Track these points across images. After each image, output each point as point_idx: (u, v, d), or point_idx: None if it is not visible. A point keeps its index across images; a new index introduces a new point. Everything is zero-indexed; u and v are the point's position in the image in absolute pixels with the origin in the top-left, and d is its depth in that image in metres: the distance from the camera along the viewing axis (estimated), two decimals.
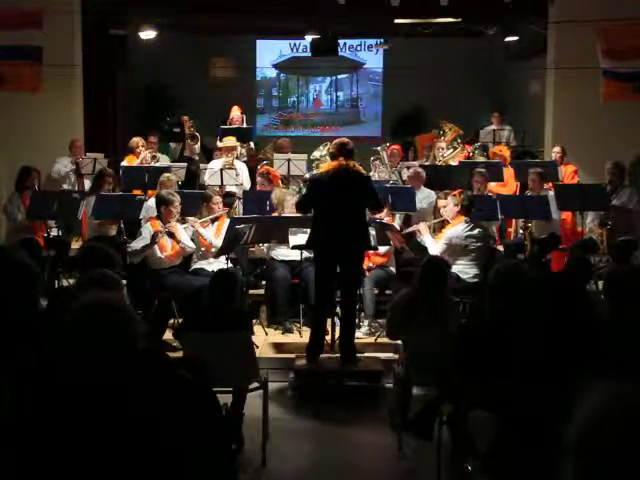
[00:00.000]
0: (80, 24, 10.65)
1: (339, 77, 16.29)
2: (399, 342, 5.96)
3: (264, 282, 8.31)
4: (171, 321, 7.32)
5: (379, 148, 10.47)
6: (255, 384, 5.18)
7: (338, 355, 6.63)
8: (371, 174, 10.21)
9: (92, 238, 8.32)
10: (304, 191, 7.07)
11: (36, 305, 3.97)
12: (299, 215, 7.02)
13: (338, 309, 6.97)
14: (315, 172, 8.48)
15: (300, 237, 7.42)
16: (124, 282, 5.80)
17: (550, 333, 3.53)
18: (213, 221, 7.86)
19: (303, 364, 6.55)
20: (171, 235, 7.31)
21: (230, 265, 7.64)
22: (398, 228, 7.75)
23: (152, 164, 9.80)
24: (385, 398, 6.18)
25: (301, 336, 7.39)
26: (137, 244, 7.32)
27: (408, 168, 9.80)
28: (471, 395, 3.90)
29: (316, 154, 10.42)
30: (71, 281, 7.44)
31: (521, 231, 8.62)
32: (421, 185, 9.07)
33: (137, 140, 10.19)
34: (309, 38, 12.48)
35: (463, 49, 14.19)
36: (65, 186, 9.89)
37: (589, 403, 1.38)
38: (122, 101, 13.61)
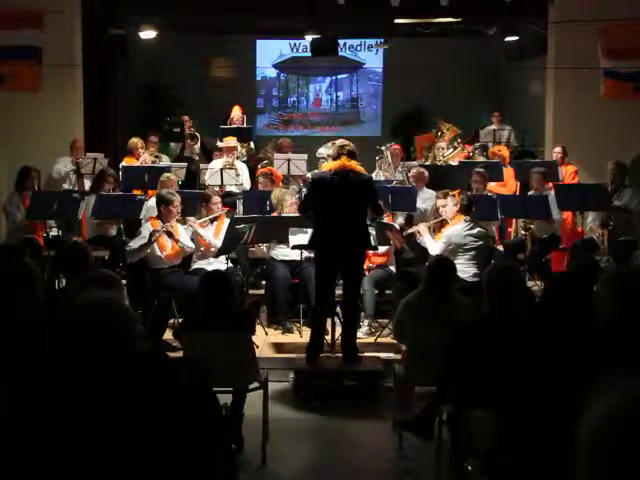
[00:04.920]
0: (80, 24, 10.64)
1: (339, 77, 16.29)
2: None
3: (264, 282, 8.31)
4: (171, 321, 7.32)
5: (383, 148, 10.46)
6: (255, 384, 5.18)
7: (338, 355, 6.63)
8: (375, 172, 10.24)
9: (90, 238, 8.32)
10: (306, 191, 7.06)
11: (36, 305, 3.97)
12: (299, 215, 7.02)
13: (338, 309, 6.97)
14: (317, 171, 8.47)
15: (300, 237, 7.42)
16: (124, 282, 5.81)
17: (550, 333, 3.53)
18: (212, 221, 7.86)
19: (303, 364, 6.55)
20: (169, 234, 7.31)
21: (230, 265, 7.64)
22: (399, 228, 7.74)
23: (153, 164, 9.80)
24: (385, 398, 6.18)
25: (301, 336, 7.39)
26: (135, 243, 7.32)
27: (409, 168, 9.80)
28: (470, 395, 3.90)
29: (321, 151, 10.35)
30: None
31: (523, 232, 8.62)
32: (424, 186, 9.07)
33: (136, 141, 10.19)
34: (309, 38, 12.47)
35: (463, 49, 14.19)
36: (65, 186, 9.88)
37: (604, 402, 1.36)
38: (122, 101, 13.60)
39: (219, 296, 5.17)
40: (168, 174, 8.57)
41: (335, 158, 6.57)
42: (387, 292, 8.03)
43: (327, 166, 6.73)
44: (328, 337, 6.82)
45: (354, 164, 6.49)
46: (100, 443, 2.41)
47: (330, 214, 6.47)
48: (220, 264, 7.53)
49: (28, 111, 10.16)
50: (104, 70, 12.43)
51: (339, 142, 6.70)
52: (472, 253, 7.34)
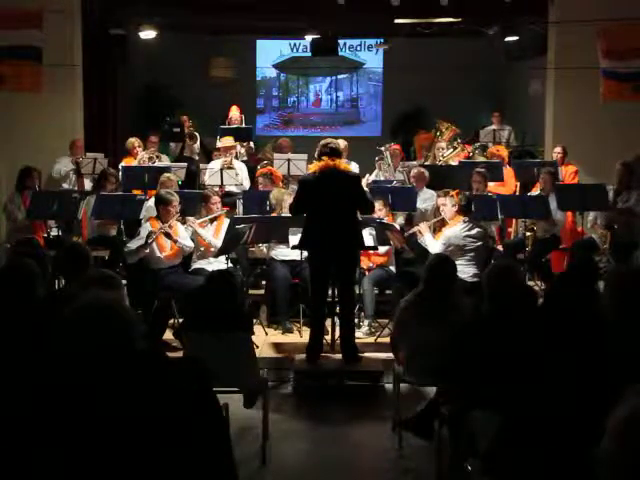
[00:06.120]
0: (80, 24, 10.65)
1: (339, 77, 16.30)
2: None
3: (264, 282, 8.32)
4: (171, 321, 7.33)
5: (382, 148, 10.46)
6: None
7: (338, 355, 6.63)
8: (375, 173, 10.25)
9: (90, 238, 8.32)
10: (295, 194, 7.04)
11: (36, 305, 3.97)
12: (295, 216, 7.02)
13: (338, 309, 6.97)
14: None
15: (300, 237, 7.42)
16: (124, 282, 5.81)
17: (550, 332, 3.53)
18: (212, 221, 7.86)
19: (303, 364, 6.55)
20: (167, 235, 7.30)
21: (230, 265, 7.64)
22: (399, 228, 7.74)
23: (151, 164, 9.79)
24: (385, 398, 6.17)
25: (301, 336, 7.39)
26: (134, 244, 7.32)
27: (410, 168, 9.80)
28: (470, 395, 3.90)
29: None
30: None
31: (526, 233, 8.59)
32: (424, 186, 9.07)
33: (133, 141, 10.19)
34: (309, 38, 12.49)
35: (463, 49, 14.18)
36: (65, 186, 9.89)
37: (627, 407, 1.35)
38: (122, 101, 13.60)
39: (224, 295, 5.17)
40: (168, 174, 8.57)
41: (319, 158, 6.54)
42: (387, 292, 8.03)
43: (312, 167, 6.71)
44: (328, 337, 6.82)
45: (338, 162, 6.47)
46: (100, 444, 2.41)
47: (319, 214, 6.46)
48: (220, 264, 7.53)
49: (28, 111, 10.17)
50: (104, 70, 12.43)
51: (322, 142, 6.65)
52: (471, 254, 7.34)
